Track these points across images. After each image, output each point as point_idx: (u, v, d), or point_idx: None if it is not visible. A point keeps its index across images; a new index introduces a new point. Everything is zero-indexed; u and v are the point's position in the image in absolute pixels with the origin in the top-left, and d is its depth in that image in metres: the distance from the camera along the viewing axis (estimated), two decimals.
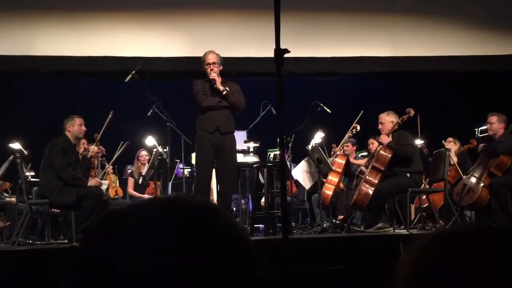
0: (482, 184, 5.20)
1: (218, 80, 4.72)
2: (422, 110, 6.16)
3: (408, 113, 5.25)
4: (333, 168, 5.89)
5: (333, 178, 5.88)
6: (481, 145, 5.44)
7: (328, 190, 5.81)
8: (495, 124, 5.31)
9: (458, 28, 6.50)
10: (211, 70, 4.73)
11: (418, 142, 6.14)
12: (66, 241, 5.09)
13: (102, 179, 5.56)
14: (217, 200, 4.95)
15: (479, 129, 6.06)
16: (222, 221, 0.58)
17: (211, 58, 4.78)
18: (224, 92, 4.70)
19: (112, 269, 0.54)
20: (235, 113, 4.80)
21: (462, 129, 6.48)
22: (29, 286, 3.43)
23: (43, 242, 5.26)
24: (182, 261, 0.53)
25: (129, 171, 6.97)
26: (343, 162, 5.94)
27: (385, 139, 5.17)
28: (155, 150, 6.01)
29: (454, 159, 5.82)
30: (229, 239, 0.57)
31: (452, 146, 6.11)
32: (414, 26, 6.48)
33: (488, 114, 5.39)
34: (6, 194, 5.95)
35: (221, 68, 4.81)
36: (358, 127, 6.03)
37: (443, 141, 5.79)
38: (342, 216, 5.94)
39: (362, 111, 5.91)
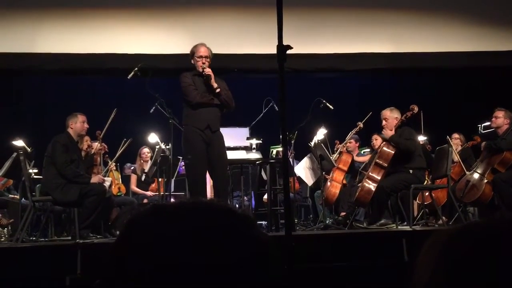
0: (485, 181, 5.19)
1: (213, 76, 4.57)
2: (425, 106, 6.15)
3: (412, 110, 5.24)
4: (339, 165, 5.89)
5: (338, 176, 5.88)
6: (483, 143, 5.43)
7: (335, 188, 5.82)
8: (500, 118, 5.31)
9: (462, 24, 6.48)
10: (203, 63, 4.57)
11: (421, 138, 6.13)
12: (70, 238, 5.10)
13: (105, 176, 5.57)
14: (214, 196, 4.92)
15: (482, 125, 6.04)
16: (256, 232, 0.61)
17: (203, 51, 4.61)
18: (218, 90, 4.57)
19: (149, 258, 0.55)
20: (224, 111, 4.69)
21: (465, 126, 6.46)
22: (32, 282, 3.45)
23: (46, 239, 5.27)
24: (217, 264, 0.55)
25: (132, 168, 6.98)
26: (350, 160, 5.95)
27: (389, 132, 5.17)
28: (157, 147, 6.01)
29: (457, 157, 5.81)
30: (261, 247, 0.60)
31: (457, 142, 6.11)
32: (417, 22, 6.46)
33: (496, 108, 5.38)
34: (10, 196, 5.95)
35: (210, 63, 4.64)
36: (361, 125, 6.03)
37: (447, 137, 5.77)
38: (344, 213, 5.94)
39: (371, 112, 5.87)
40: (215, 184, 4.73)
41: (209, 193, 5.32)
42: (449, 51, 6.40)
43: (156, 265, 0.54)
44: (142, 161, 6.78)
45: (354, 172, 6.26)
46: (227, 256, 0.55)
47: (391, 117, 5.25)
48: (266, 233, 0.63)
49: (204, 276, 0.54)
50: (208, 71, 4.56)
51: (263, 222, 5.96)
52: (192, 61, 4.67)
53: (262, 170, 5.82)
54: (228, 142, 4.93)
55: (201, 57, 4.60)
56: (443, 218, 5.33)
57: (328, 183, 5.98)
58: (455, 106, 7.56)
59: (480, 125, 6.07)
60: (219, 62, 5.16)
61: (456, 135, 6.20)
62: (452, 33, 6.45)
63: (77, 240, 4.44)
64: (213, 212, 0.59)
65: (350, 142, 6.61)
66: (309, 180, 6.01)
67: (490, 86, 6.85)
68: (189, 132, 4.59)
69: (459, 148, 6.09)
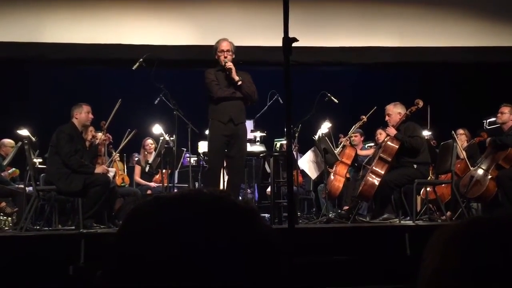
0: (489, 177, 5.17)
1: (234, 69, 4.67)
2: (431, 101, 6.12)
3: (416, 104, 5.22)
4: (342, 159, 5.89)
5: (342, 170, 5.88)
6: (489, 139, 5.40)
7: (338, 182, 5.81)
8: (506, 114, 5.28)
9: (468, 19, 6.43)
10: (225, 58, 4.67)
11: (426, 133, 6.11)
12: (73, 227, 5.13)
13: (109, 167, 5.59)
14: (226, 188, 4.95)
15: (487, 120, 6.02)
16: (262, 224, 0.60)
17: (225, 46, 4.71)
18: (239, 83, 4.66)
19: (150, 248, 0.55)
20: (247, 104, 4.79)
21: (471, 121, 6.43)
22: (36, 271, 3.47)
23: (50, 228, 5.30)
24: (219, 254, 0.54)
25: (136, 159, 7.00)
26: (353, 154, 5.95)
27: (392, 131, 5.14)
28: (161, 138, 6.02)
29: (463, 153, 5.78)
30: (264, 238, 0.59)
31: (462, 138, 6.08)
32: (423, 16, 6.41)
33: (501, 104, 5.35)
34: (16, 185, 5.98)
35: (233, 56, 4.77)
36: (365, 119, 6.01)
37: (453, 132, 5.75)
38: (347, 207, 5.94)
39: (375, 107, 5.85)
40: (229, 177, 4.79)
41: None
42: (455, 45, 6.35)
43: (157, 255, 0.54)
44: (146, 153, 6.80)
45: (358, 166, 6.26)
46: (229, 246, 0.55)
47: (394, 112, 5.23)
48: (270, 225, 0.62)
49: (206, 267, 0.53)
50: (229, 65, 4.65)
51: (266, 215, 5.97)
52: (216, 57, 4.75)
53: (266, 162, 5.83)
54: None
55: (222, 51, 4.70)
56: (447, 213, 5.33)
57: (332, 177, 5.98)
58: (460, 101, 7.52)
59: (485, 121, 6.04)
60: None
61: (461, 131, 6.17)
62: (459, 28, 6.40)
63: (81, 230, 4.47)
64: (215, 203, 0.59)
65: (355, 136, 6.60)
66: (312, 173, 6.01)
67: (496, 81, 6.80)
68: (212, 126, 4.71)
69: (465, 144, 6.06)
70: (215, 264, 0.54)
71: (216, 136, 4.66)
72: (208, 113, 4.77)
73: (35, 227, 5.21)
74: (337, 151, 5.90)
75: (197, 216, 0.56)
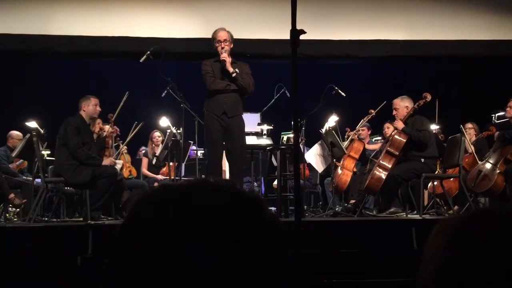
0: (497, 171, 5.14)
1: (229, 61, 4.60)
2: (439, 95, 6.08)
3: (424, 98, 5.18)
4: (350, 153, 5.87)
5: (349, 164, 5.87)
6: (497, 133, 5.36)
7: (346, 176, 5.81)
8: None
9: (477, 12, 6.37)
10: (222, 48, 4.60)
11: (434, 127, 6.07)
12: (81, 219, 5.16)
13: (116, 159, 5.61)
14: None
15: (496, 115, 5.97)
16: (267, 213, 0.60)
17: (222, 36, 4.64)
18: (234, 74, 4.59)
19: (156, 236, 0.55)
20: (244, 96, 4.72)
21: (479, 115, 6.39)
22: (44, 262, 3.50)
23: (58, 220, 5.34)
24: (225, 243, 0.54)
25: (143, 151, 7.02)
26: (361, 148, 5.93)
27: (400, 124, 5.12)
28: (169, 131, 6.03)
29: (472, 148, 5.74)
30: (269, 228, 0.59)
31: (471, 132, 6.04)
32: (432, 9, 6.36)
33: (510, 98, 5.29)
34: (24, 177, 6.02)
35: (231, 46, 4.69)
36: (374, 113, 5.98)
37: (461, 126, 5.71)
38: (354, 200, 5.93)
39: (385, 101, 5.81)
40: (230, 169, 4.77)
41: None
42: (464, 39, 6.30)
43: (164, 243, 0.54)
44: (153, 145, 6.81)
45: (365, 159, 6.24)
46: (234, 234, 0.55)
47: (401, 106, 5.20)
48: (276, 215, 0.62)
49: (211, 256, 0.54)
50: (224, 56, 4.58)
51: (273, 208, 5.98)
52: (215, 47, 4.70)
53: (273, 156, 5.83)
54: None
55: (219, 41, 4.64)
56: (455, 208, 5.31)
57: (339, 171, 5.96)
58: (469, 95, 7.47)
59: (494, 115, 5.99)
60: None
61: (469, 125, 6.12)
62: (468, 21, 6.34)
63: (89, 221, 4.50)
64: (220, 191, 0.59)
65: (362, 130, 6.57)
66: (319, 167, 6.00)
67: (505, 75, 6.75)
68: (207, 118, 4.66)
69: (473, 138, 6.02)
70: (220, 252, 0.54)
71: (211, 129, 4.60)
72: (204, 106, 4.72)
73: (44, 218, 5.25)
74: (344, 144, 5.89)
75: (203, 204, 0.57)
